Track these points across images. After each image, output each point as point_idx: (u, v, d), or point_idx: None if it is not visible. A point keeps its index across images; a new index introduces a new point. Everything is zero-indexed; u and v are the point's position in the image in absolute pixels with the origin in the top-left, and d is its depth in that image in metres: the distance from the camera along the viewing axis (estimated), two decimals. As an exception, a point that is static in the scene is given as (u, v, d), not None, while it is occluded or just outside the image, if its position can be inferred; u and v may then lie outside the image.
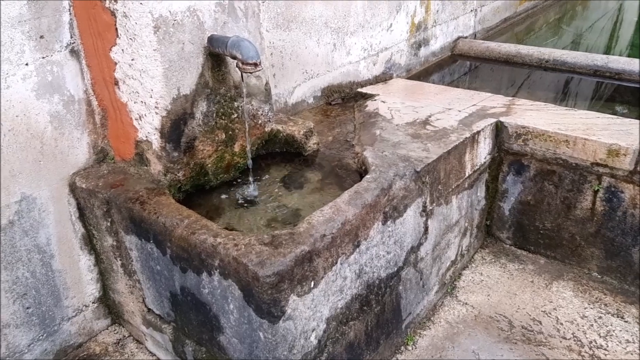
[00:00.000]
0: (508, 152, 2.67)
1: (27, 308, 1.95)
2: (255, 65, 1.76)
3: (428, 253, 2.29)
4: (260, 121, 2.19)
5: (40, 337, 2.02)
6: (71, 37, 1.85)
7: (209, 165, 2.00)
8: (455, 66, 4.28)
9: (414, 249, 2.17)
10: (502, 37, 4.86)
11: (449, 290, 2.55)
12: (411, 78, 3.79)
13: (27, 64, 1.74)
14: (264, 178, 2.20)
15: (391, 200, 1.92)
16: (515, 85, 3.89)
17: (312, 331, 1.66)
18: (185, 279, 1.73)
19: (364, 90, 3.22)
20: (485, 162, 2.62)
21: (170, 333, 1.96)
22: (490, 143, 2.61)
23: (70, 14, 1.83)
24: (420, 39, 3.86)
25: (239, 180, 2.15)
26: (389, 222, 1.93)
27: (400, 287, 2.14)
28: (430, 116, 2.66)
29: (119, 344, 2.18)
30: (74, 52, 1.87)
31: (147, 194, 1.83)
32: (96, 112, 1.99)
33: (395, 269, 2.07)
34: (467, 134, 2.40)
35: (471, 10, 4.43)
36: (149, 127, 1.84)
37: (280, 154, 2.34)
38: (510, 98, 2.97)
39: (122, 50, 1.77)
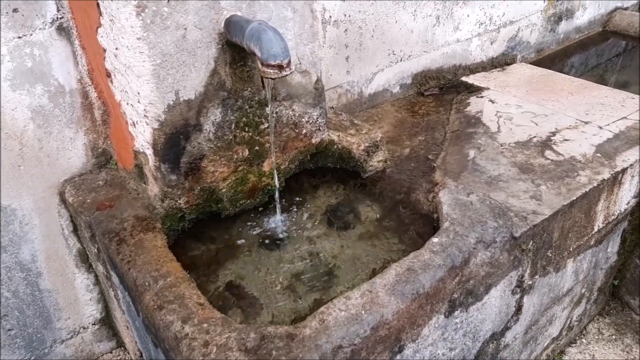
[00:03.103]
0: (666, 198, 1.84)
1: (9, 330, 1.67)
2: (280, 67, 1.19)
3: (517, 337, 1.64)
4: (305, 131, 1.63)
5: (28, 360, 1.75)
6: (58, 11, 1.40)
7: (224, 191, 1.51)
8: (606, 46, 3.27)
9: (496, 336, 1.53)
10: (682, 8, 3.65)
11: (543, 375, 1.89)
12: (542, 60, 2.93)
13: (-5, 46, 1.34)
14: (303, 206, 1.67)
15: (465, 281, 1.30)
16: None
17: None
18: (158, 355, 1.30)
19: (471, 79, 2.48)
20: (627, 209, 1.83)
21: (156, 396, 1.57)
22: (639, 182, 1.81)
23: (56, -22, 1.38)
24: (562, 10, 2.94)
25: (270, 205, 1.65)
26: (457, 312, 1.32)
27: (467, 385, 1.54)
28: (554, 133, 1.90)
29: (118, 375, 1.86)
30: (62, 30, 1.43)
31: (131, 228, 1.39)
32: (95, 105, 1.56)
33: (462, 364, 1.46)
34: (606, 174, 1.63)
35: (641, -28, 3.33)
36: (142, 139, 1.38)
37: (334, 170, 1.78)
38: (683, 111, 2.07)
39: (107, 34, 1.29)
